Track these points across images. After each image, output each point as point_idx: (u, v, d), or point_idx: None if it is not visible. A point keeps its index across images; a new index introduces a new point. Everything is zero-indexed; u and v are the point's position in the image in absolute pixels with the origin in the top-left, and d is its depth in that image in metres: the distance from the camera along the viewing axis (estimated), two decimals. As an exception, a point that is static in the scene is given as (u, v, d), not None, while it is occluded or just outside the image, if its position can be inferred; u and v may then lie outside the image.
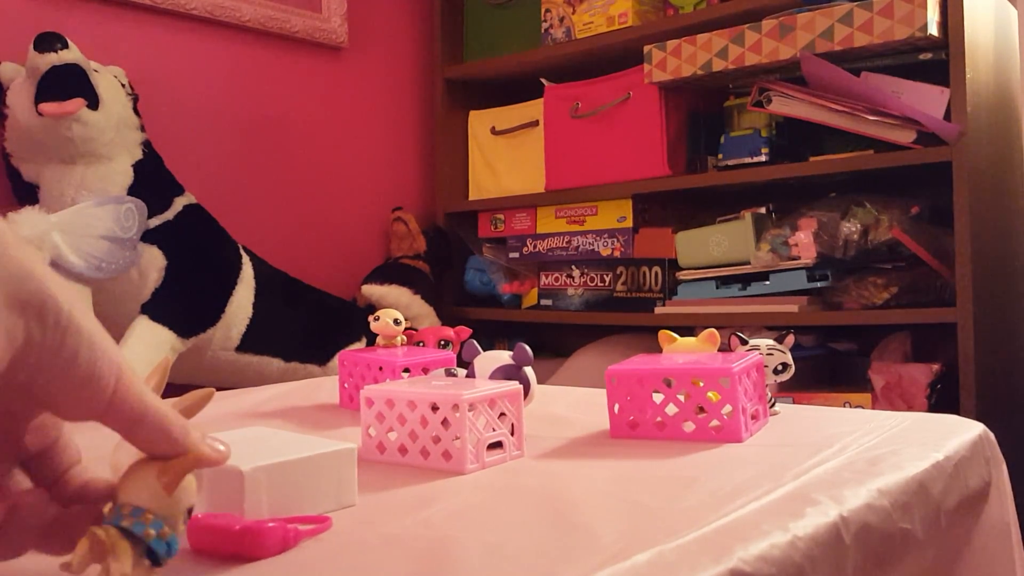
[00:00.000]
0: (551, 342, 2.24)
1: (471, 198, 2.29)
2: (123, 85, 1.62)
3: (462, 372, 0.85)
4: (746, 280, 1.73)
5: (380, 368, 0.93)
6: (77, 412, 0.39)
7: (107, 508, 0.41)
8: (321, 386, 1.17)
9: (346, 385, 0.99)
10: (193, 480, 0.41)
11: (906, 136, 1.54)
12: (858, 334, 1.80)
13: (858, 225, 1.61)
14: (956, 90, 1.51)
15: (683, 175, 1.88)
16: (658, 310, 1.84)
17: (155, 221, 1.59)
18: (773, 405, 0.87)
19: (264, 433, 0.64)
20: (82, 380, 0.38)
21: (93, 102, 1.51)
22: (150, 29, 1.84)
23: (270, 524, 0.49)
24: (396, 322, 1.00)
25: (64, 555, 0.41)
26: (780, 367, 0.85)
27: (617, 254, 1.96)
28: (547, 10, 2.09)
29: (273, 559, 0.48)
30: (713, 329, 0.86)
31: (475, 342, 0.85)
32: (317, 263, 2.10)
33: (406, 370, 0.92)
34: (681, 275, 1.82)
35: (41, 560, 0.42)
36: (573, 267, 2.04)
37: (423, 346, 1.03)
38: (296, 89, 2.10)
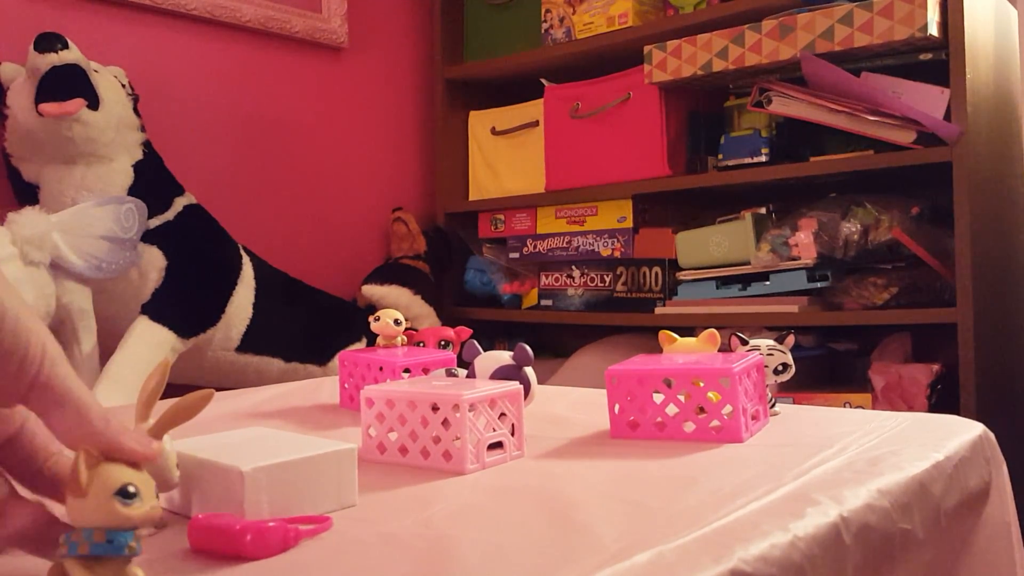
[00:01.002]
0: (551, 342, 2.24)
1: (471, 198, 2.29)
2: (123, 85, 1.62)
3: (463, 372, 0.85)
4: (746, 280, 1.73)
5: (380, 368, 0.93)
6: (1, 390, 0.38)
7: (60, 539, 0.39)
8: (321, 386, 1.17)
9: (346, 385, 0.99)
10: (111, 467, 0.38)
11: (906, 136, 1.54)
12: (858, 334, 1.80)
13: (858, 225, 1.61)
14: (956, 90, 1.51)
15: (683, 175, 1.88)
16: (658, 310, 1.84)
17: (155, 221, 1.59)
18: (773, 405, 0.87)
19: (264, 433, 0.64)
20: (5, 355, 0.37)
21: (93, 102, 1.51)
22: (150, 29, 1.84)
23: (270, 524, 0.49)
24: (396, 322, 1.01)
25: (43, 556, 0.40)
26: (780, 367, 0.85)
27: (617, 254, 1.96)
28: (547, 10, 2.09)
29: (273, 559, 0.48)
30: (713, 329, 0.86)
31: (475, 342, 0.85)
32: (317, 263, 2.10)
33: (406, 370, 0.92)
34: (681, 275, 1.82)
35: (40, 563, 0.42)
36: (573, 267, 2.04)
37: (423, 346, 1.03)
38: (296, 89, 2.10)
